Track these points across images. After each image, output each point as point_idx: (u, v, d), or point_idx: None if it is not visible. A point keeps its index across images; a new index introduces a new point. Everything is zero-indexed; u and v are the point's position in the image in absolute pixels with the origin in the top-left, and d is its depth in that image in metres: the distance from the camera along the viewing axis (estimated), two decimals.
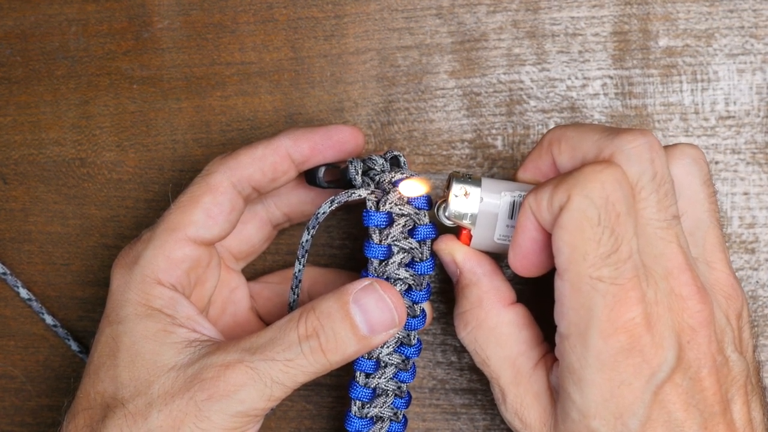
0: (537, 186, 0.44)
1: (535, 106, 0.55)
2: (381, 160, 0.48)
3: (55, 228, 0.57)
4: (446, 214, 0.47)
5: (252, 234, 0.53)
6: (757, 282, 0.55)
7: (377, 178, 0.48)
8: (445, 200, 0.47)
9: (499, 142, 0.55)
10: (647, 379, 0.41)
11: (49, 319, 0.57)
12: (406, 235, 0.47)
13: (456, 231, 0.48)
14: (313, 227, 0.48)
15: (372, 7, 0.55)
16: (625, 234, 0.41)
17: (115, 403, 0.45)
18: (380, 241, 0.47)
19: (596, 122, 0.55)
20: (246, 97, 0.56)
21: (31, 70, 0.57)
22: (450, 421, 0.56)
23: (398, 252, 0.47)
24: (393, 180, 0.47)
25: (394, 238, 0.47)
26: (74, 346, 0.57)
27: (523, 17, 0.55)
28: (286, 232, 0.56)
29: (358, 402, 0.48)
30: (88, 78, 0.57)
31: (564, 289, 0.42)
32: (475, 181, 0.47)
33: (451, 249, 0.47)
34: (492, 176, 0.55)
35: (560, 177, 0.43)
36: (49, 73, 0.57)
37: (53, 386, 0.58)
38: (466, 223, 0.47)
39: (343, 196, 0.47)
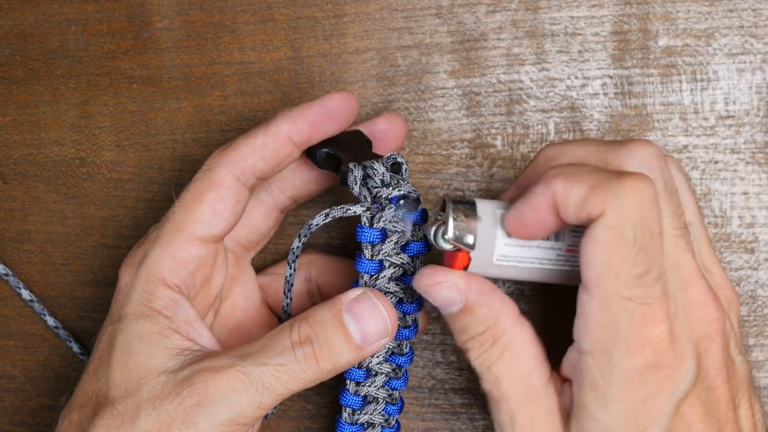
0: (567, 172, 0.42)
1: (534, 106, 0.55)
2: (382, 170, 0.47)
3: (54, 228, 0.57)
4: (447, 236, 0.44)
5: (259, 222, 0.52)
6: (757, 282, 0.55)
7: (375, 191, 0.47)
8: (444, 224, 0.45)
9: (498, 142, 0.55)
10: (670, 393, 0.41)
11: (51, 321, 0.57)
12: (398, 250, 0.47)
13: (441, 261, 0.47)
14: (305, 236, 0.48)
15: (371, 6, 0.55)
16: (657, 254, 0.41)
17: (106, 402, 0.45)
18: (372, 257, 0.47)
19: (596, 121, 0.55)
20: (245, 97, 0.56)
21: (30, 70, 0.57)
22: (449, 420, 0.56)
23: (389, 266, 0.47)
24: (390, 197, 0.47)
25: (386, 254, 0.47)
26: (76, 348, 0.57)
27: (522, 17, 0.55)
28: (285, 233, 0.56)
29: (348, 409, 0.49)
30: (88, 78, 0.57)
31: (591, 305, 0.41)
32: (469, 202, 0.45)
33: (453, 280, 0.44)
34: (491, 176, 0.55)
35: (595, 177, 0.41)
36: (48, 72, 0.57)
37: (53, 386, 0.58)
38: (467, 244, 0.44)
39: (338, 212, 0.47)
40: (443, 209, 0.45)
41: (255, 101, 0.56)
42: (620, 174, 0.41)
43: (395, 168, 0.48)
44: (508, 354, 0.44)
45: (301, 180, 0.52)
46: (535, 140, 0.55)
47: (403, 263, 0.47)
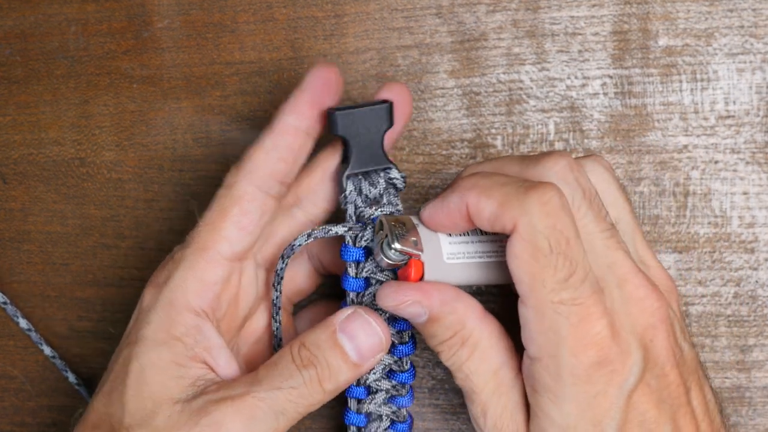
0: (480, 185, 0.44)
1: (534, 106, 0.55)
2: (374, 192, 0.48)
3: (54, 228, 0.57)
4: (394, 245, 0.45)
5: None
6: (757, 282, 0.55)
7: (359, 210, 0.48)
8: (387, 236, 0.45)
9: (498, 142, 0.55)
10: (620, 386, 0.43)
11: (47, 350, 0.57)
12: (382, 267, 0.48)
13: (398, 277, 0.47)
14: (288, 256, 0.48)
15: (372, 6, 0.55)
16: (578, 255, 0.42)
17: (120, 429, 0.45)
18: (356, 275, 0.48)
19: (596, 121, 0.55)
20: (246, 97, 0.56)
21: (30, 70, 0.57)
22: (449, 420, 0.56)
23: (375, 284, 0.48)
24: (372, 216, 0.47)
25: (371, 272, 0.48)
26: (72, 378, 0.57)
27: (522, 17, 0.55)
28: None
29: (353, 427, 0.49)
30: (88, 78, 0.57)
31: (528, 316, 0.43)
32: (402, 215, 0.47)
33: (414, 297, 0.45)
34: None
35: (504, 191, 0.43)
36: (48, 72, 0.57)
37: (53, 386, 0.58)
38: (414, 247, 0.45)
39: (321, 232, 0.47)
40: (381, 228, 0.46)
41: (255, 101, 0.56)
42: (527, 186, 0.42)
43: (390, 182, 0.48)
44: (477, 353, 0.46)
45: (333, 189, 0.51)
46: (536, 140, 0.55)
47: (388, 279, 0.48)
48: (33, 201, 0.57)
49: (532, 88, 0.55)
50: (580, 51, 0.55)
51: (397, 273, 0.47)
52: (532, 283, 0.42)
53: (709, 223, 0.55)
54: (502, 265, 0.46)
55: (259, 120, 0.56)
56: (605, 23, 0.54)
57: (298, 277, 0.53)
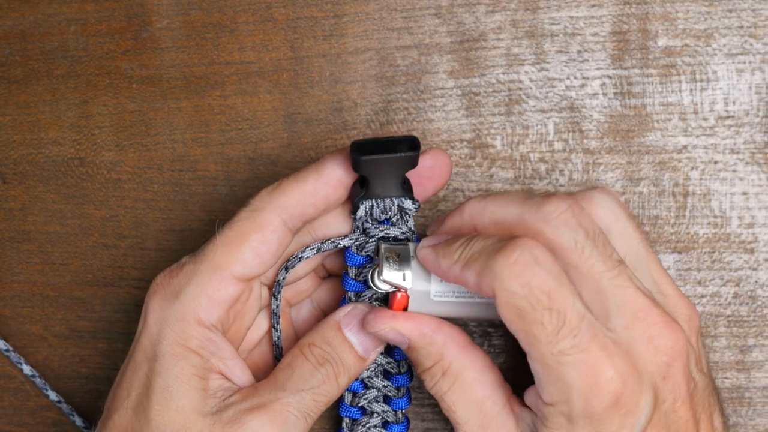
0: (463, 259, 0.44)
1: (534, 106, 0.55)
2: (383, 217, 0.49)
3: (53, 228, 0.57)
4: (382, 277, 0.47)
5: (299, 268, 0.52)
6: (756, 282, 0.55)
7: (365, 226, 0.49)
8: (378, 266, 0.47)
9: (498, 142, 0.55)
10: (632, 426, 0.43)
11: (53, 395, 0.56)
12: (374, 295, 0.50)
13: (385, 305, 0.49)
14: (292, 267, 0.49)
15: (371, 6, 0.55)
16: (565, 303, 0.42)
17: None
18: (355, 277, 0.49)
19: (595, 121, 0.55)
20: (245, 97, 0.56)
21: (30, 70, 0.57)
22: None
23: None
24: (375, 236, 0.49)
25: (368, 277, 0.49)
26: (79, 421, 0.57)
27: (522, 17, 0.55)
28: None
29: (347, 419, 0.51)
30: (87, 78, 0.57)
31: (535, 367, 0.43)
32: (402, 243, 0.48)
33: (393, 325, 0.47)
34: (491, 176, 0.55)
35: (480, 261, 0.43)
36: (48, 72, 0.57)
37: (52, 386, 0.58)
38: (402, 283, 0.47)
39: (329, 245, 0.49)
40: (378, 252, 0.48)
41: (254, 101, 0.56)
42: (495, 250, 0.43)
43: (402, 210, 0.49)
44: (458, 384, 0.46)
45: (348, 222, 0.51)
46: (535, 140, 0.55)
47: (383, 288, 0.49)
48: (32, 201, 0.57)
49: (531, 88, 0.55)
50: (579, 51, 0.55)
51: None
52: (528, 339, 0.42)
53: (709, 223, 0.55)
54: (492, 305, 0.45)
55: (258, 120, 0.56)
56: (604, 23, 0.54)
57: (299, 280, 0.53)
